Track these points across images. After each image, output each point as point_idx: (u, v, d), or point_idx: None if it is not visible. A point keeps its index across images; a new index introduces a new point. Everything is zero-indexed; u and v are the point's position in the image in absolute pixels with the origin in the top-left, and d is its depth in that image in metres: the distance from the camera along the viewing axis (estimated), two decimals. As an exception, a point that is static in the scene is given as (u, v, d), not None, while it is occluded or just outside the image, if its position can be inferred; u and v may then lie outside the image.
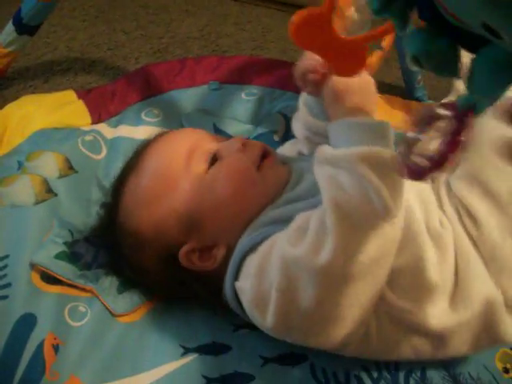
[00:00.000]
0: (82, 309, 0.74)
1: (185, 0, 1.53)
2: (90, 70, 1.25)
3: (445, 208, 0.71)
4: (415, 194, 0.71)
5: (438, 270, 0.65)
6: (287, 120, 0.97)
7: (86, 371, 0.68)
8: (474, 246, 0.68)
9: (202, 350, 0.71)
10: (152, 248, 0.71)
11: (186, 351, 0.71)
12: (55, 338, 0.70)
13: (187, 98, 1.06)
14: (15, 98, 1.04)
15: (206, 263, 0.70)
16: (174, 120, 1.01)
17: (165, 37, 1.39)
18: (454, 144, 0.40)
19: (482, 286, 0.66)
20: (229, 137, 0.97)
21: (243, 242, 0.67)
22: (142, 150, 0.77)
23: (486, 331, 0.66)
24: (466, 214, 0.69)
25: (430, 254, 0.66)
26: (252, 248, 0.66)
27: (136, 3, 1.49)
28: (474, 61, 0.33)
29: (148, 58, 1.32)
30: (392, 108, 1.08)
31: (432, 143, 0.42)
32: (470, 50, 0.33)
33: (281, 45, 1.40)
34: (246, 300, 0.65)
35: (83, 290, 0.75)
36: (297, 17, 0.45)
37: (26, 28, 1.05)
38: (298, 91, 1.04)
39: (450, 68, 0.34)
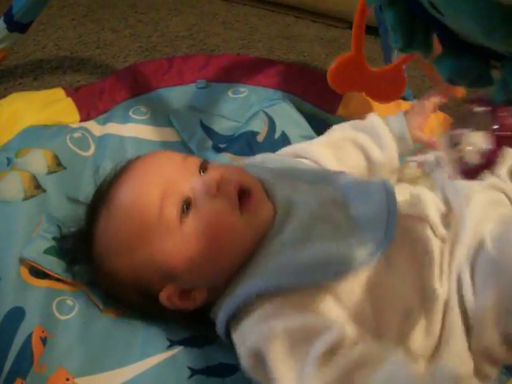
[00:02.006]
0: (69, 302, 0.75)
1: (173, -1, 1.54)
2: (78, 69, 1.26)
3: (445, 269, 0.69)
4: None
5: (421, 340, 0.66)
6: (271, 120, 0.98)
7: (74, 363, 0.69)
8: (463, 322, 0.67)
9: (187, 342, 0.73)
10: (131, 287, 0.71)
11: (172, 344, 0.73)
12: (43, 331, 0.71)
13: (175, 96, 1.07)
14: (4, 95, 1.04)
15: (186, 303, 0.70)
16: (161, 118, 1.03)
17: (153, 36, 1.40)
18: (502, 138, 0.40)
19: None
20: (214, 135, 0.99)
21: (226, 308, 0.66)
22: (113, 180, 0.74)
23: None
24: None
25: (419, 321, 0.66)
26: (238, 311, 0.65)
27: (124, 2, 1.50)
28: (502, 67, 0.33)
29: (136, 56, 1.33)
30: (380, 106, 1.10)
31: (476, 140, 0.42)
32: (496, 58, 0.34)
33: (268, 44, 1.41)
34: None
35: (71, 284, 0.76)
36: (332, 66, 0.47)
37: (17, 25, 1.06)
38: (284, 89, 1.06)
39: (484, 80, 0.35)
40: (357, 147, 0.83)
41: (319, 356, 0.58)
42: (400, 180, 0.85)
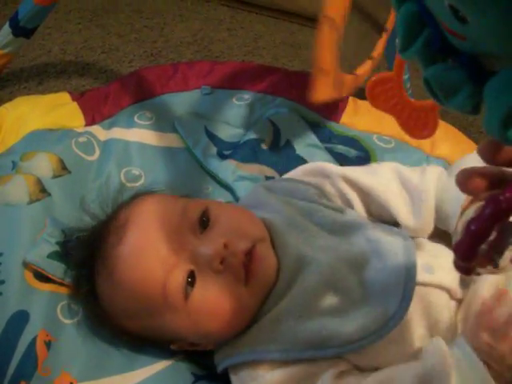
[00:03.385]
0: (73, 307, 0.75)
1: (178, 5, 1.54)
2: (84, 73, 1.27)
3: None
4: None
5: None
6: (276, 128, 0.99)
7: (78, 367, 0.70)
8: None
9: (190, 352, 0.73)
10: (139, 338, 0.72)
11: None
12: (47, 335, 0.71)
13: (179, 101, 1.07)
14: (9, 99, 1.05)
15: (195, 348, 0.71)
16: (166, 123, 1.03)
17: (158, 41, 1.40)
18: None
19: None
20: (219, 141, 0.99)
21: (230, 359, 0.67)
22: (109, 242, 0.70)
23: None
24: None
25: None
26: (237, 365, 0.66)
27: (130, 7, 1.51)
28: (486, 87, 0.32)
29: (141, 61, 1.33)
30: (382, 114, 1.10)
31: None
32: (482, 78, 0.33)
33: (272, 51, 1.41)
34: None
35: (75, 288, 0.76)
36: (370, 80, 0.47)
37: (22, 30, 1.06)
38: (288, 97, 1.07)
39: (464, 95, 0.34)
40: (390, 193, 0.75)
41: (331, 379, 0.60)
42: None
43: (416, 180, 0.74)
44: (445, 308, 0.65)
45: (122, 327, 0.71)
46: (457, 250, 0.36)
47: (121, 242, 0.69)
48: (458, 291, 0.66)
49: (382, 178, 0.77)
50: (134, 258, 0.67)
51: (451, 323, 0.65)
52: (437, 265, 0.67)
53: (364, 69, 0.91)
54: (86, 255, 0.74)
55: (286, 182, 0.81)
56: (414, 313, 0.64)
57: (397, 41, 0.37)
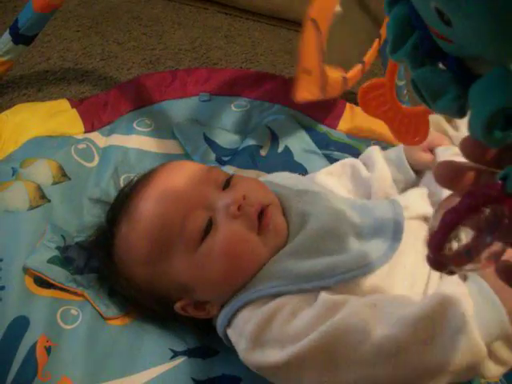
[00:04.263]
0: (74, 312, 0.76)
1: (177, 12, 1.55)
2: (83, 80, 1.27)
3: None
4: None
5: None
6: (274, 134, 0.99)
7: (78, 372, 0.70)
8: None
9: (190, 353, 0.74)
10: (147, 292, 0.73)
11: (175, 354, 0.73)
12: (47, 340, 0.71)
13: (178, 108, 1.08)
14: (9, 106, 1.05)
15: (200, 313, 0.71)
16: (165, 130, 1.04)
17: (157, 48, 1.41)
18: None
19: None
20: (218, 148, 1.00)
21: (236, 301, 0.67)
22: (137, 187, 0.74)
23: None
24: None
25: None
26: (246, 304, 0.67)
27: (129, 15, 1.51)
28: (471, 90, 0.33)
29: (140, 68, 1.34)
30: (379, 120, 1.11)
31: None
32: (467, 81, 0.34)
33: (270, 58, 1.42)
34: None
35: (75, 293, 0.77)
36: (363, 86, 0.48)
37: (22, 38, 1.07)
38: (286, 104, 1.08)
39: (449, 97, 0.35)
40: (349, 167, 0.87)
41: (327, 299, 0.62)
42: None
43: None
44: (423, 232, 0.70)
45: (132, 278, 0.72)
46: (429, 240, 0.37)
47: (145, 187, 0.73)
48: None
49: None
50: (157, 199, 0.71)
51: None
52: (409, 203, 0.75)
53: (353, 72, 0.92)
54: (110, 208, 0.78)
55: (282, 173, 0.86)
56: (403, 248, 0.69)
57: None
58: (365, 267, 0.66)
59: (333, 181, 0.87)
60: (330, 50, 0.83)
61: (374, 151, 0.86)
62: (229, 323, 0.68)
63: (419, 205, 0.75)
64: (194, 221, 0.68)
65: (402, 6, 0.35)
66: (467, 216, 0.36)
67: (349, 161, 0.89)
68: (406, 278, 0.68)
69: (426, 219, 0.74)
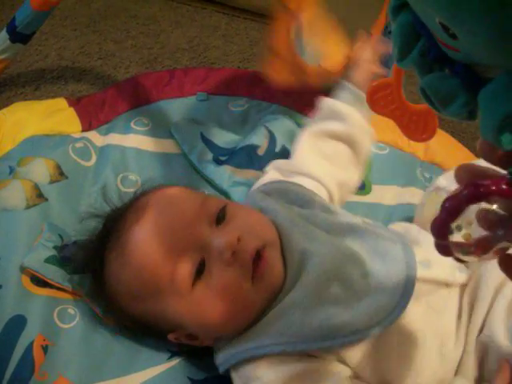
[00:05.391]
0: (70, 311, 0.76)
1: (174, 12, 1.55)
2: (80, 79, 1.27)
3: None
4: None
5: None
6: (271, 134, 0.99)
7: (75, 372, 0.70)
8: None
9: (187, 353, 0.74)
10: (138, 322, 0.72)
11: (172, 354, 0.74)
12: (44, 340, 0.71)
13: (175, 108, 1.08)
14: (6, 104, 1.05)
15: (193, 342, 0.71)
16: (162, 129, 1.04)
17: (154, 47, 1.41)
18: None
19: None
20: (215, 147, 1.00)
21: (234, 353, 0.67)
22: (125, 224, 0.71)
23: None
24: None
25: None
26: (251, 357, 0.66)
27: (127, 14, 1.51)
28: (480, 95, 0.33)
29: (138, 67, 1.34)
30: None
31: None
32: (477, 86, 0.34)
33: (268, 58, 1.42)
34: None
35: (72, 293, 0.77)
36: (370, 86, 0.49)
37: (19, 36, 1.07)
38: (283, 103, 1.08)
39: (458, 101, 0.35)
40: (321, 137, 0.86)
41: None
42: (421, 213, 0.84)
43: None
44: (443, 299, 0.68)
45: (125, 311, 0.71)
46: (432, 226, 0.38)
47: (138, 222, 0.70)
48: (456, 276, 0.70)
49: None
50: (148, 239, 0.68)
51: (452, 307, 0.68)
52: (433, 259, 0.69)
53: (333, 62, 0.92)
54: (101, 233, 0.76)
55: (278, 184, 0.82)
56: (415, 307, 0.66)
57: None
58: (370, 329, 0.63)
59: (319, 162, 0.84)
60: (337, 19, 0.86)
61: (328, 102, 0.87)
62: (234, 366, 0.67)
63: (443, 266, 0.70)
64: (185, 265, 0.66)
65: (407, 14, 0.35)
66: (465, 204, 0.37)
67: (311, 132, 0.87)
68: (415, 337, 0.66)
69: (447, 285, 0.70)
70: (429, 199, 0.83)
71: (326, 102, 0.87)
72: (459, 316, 0.68)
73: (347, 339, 0.63)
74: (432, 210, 0.81)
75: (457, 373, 0.66)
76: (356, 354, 0.64)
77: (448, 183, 0.80)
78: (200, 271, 0.66)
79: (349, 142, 0.85)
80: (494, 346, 0.64)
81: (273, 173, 0.85)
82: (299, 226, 0.73)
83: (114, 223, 0.74)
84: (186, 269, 0.66)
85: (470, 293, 0.69)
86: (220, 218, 0.69)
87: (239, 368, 0.66)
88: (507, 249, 0.39)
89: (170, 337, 0.71)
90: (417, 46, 0.36)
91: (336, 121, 0.85)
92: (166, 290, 0.67)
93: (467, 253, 0.39)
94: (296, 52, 0.82)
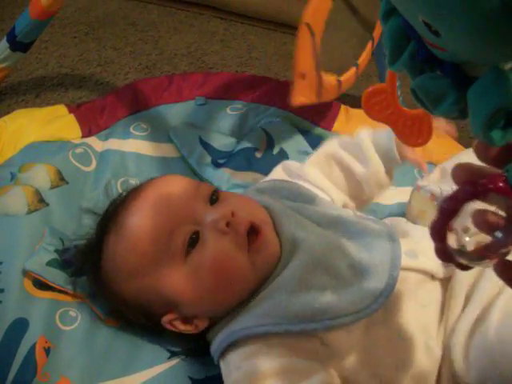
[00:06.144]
0: (72, 313, 0.77)
1: (172, 18, 1.56)
2: (80, 86, 1.28)
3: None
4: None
5: None
6: (269, 136, 1.00)
7: (76, 373, 0.71)
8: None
9: (187, 352, 0.74)
10: (134, 307, 0.73)
11: (173, 354, 0.74)
12: (46, 342, 0.72)
13: (174, 112, 1.09)
14: (7, 112, 1.07)
15: (188, 328, 0.71)
16: (161, 134, 1.05)
17: (153, 53, 1.42)
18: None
19: None
20: (213, 150, 1.01)
21: (223, 337, 0.67)
22: (125, 202, 0.74)
23: None
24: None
25: None
26: (237, 341, 0.66)
27: (125, 21, 1.52)
28: (469, 93, 0.34)
29: (137, 73, 1.35)
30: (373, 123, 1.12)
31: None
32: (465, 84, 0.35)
33: (265, 62, 1.43)
34: None
35: (74, 295, 0.78)
36: (366, 91, 0.49)
37: (19, 45, 1.08)
38: (281, 107, 1.09)
39: (449, 101, 0.35)
40: (338, 164, 0.83)
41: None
42: (408, 210, 0.85)
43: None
44: (428, 290, 0.69)
45: (119, 293, 0.72)
46: (430, 229, 0.38)
47: (135, 201, 0.72)
48: (440, 269, 0.69)
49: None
50: (144, 214, 0.70)
51: (436, 301, 0.69)
52: (420, 250, 0.70)
53: (348, 75, 0.93)
54: (101, 221, 0.78)
55: (273, 182, 0.83)
56: (399, 295, 0.67)
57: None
58: (355, 314, 0.64)
59: (319, 175, 0.83)
60: (324, 56, 0.84)
61: (364, 141, 0.81)
62: (221, 355, 0.68)
63: (429, 257, 0.69)
64: (180, 235, 0.67)
65: (396, 18, 0.36)
66: (462, 203, 0.37)
67: (331, 151, 0.84)
68: (401, 326, 0.66)
69: (432, 277, 0.70)
70: (413, 198, 0.85)
71: (361, 135, 0.82)
72: (441, 310, 0.69)
73: (331, 322, 0.64)
74: (416, 207, 0.83)
75: (440, 367, 0.66)
76: (342, 342, 0.65)
77: (429, 182, 0.82)
78: (194, 241, 0.68)
79: (355, 181, 0.83)
80: (448, 359, 0.65)
81: (279, 172, 0.85)
82: (290, 215, 0.74)
83: (112, 210, 0.76)
84: (180, 238, 0.67)
85: (449, 288, 0.70)
86: (213, 200, 0.71)
87: (225, 357, 0.67)
88: (506, 254, 0.38)
89: (165, 321, 0.71)
90: (407, 48, 0.37)
91: (353, 158, 0.82)
92: (160, 260, 0.68)
93: (468, 258, 0.39)
94: (317, 68, 0.82)
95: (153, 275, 0.69)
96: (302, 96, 0.83)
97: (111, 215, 0.75)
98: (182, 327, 0.71)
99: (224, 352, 0.67)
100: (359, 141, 0.82)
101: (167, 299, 0.70)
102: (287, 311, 0.65)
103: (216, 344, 0.68)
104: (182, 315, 0.71)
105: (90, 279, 0.77)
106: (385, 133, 0.80)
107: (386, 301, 0.65)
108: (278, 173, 0.85)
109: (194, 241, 0.68)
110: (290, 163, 0.87)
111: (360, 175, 0.81)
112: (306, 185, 0.81)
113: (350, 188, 0.83)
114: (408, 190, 0.97)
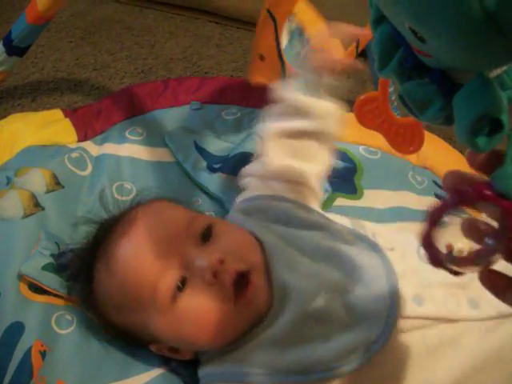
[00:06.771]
0: (68, 317, 0.77)
1: (168, 22, 1.57)
2: (76, 90, 1.29)
3: None
4: None
5: None
6: (264, 141, 1.00)
7: (72, 376, 0.71)
8: None
9: (178, 360, 0.74)
10: (122, 331, 0.74)
11: (169, 358, 0.74)
12: (42, 345, 0.72)
13: (170, 117, 1.09)
14: (3, 116, 1.07)
15: (175, 355, 0.72)
16: (157, 138, 1.05)
17: (149, 58, 1.43)
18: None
19: None
20: (209, 155, 1.01)
21: (213, 373, 0.68)
22: (113, 236, 0.73)
23: None
24: None
25: None
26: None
27: (121, 25, 1.53)
28: (455, 98, 0.35)
29: (132, 78, 1.35)
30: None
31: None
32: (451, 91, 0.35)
33: (261, 66, 1.44)
34: None
35: (70, 299, 0.78)
36: (358, 100, 0.50)
37: (15, 49, 1.08)
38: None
39: (435, 108, 0.36)
40: (291, 136, 0.82)
41: None
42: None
43: None
44: (434, 336, 0.65)
45: (109, 320, 0.73)
46: (420, 237, 0.39)
47: (125, 235, 0.71)
48: (464, 310, 0.66)
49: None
50: (133, 253, 0.70)
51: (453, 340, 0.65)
52: (428, 295, 0.67)
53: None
54: (92, 242, 0.77)
55: (259, 201, 0.81)
56: (401, 337, 0.64)
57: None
58: (348, 364, 0.63)
59: (291, 164, 0.81)
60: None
61: (290, 99, 0.82)
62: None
63: (436, 303, 0.66)
64: (167, 282, 0.67)
65: (386, 25, 0.37)
66: (451, 210, 0.37)
67: (274, 130, 0.84)
68: (398, 372, 0.64)
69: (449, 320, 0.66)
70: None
71: (284, 96, 0.82)
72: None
73: (324, 375, 0.63)
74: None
75: None
76: None
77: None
78: (181, 288, 0.67)
79: (316, 135, 0.82)
80: None
81: (254, 183, 0.83)
82: (281, 253, 0.72)
83: (104, 233, 0.75)
84: (166, 284, 0.67)
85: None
86: (206, 236, 0.70)
87: None
88: (494, 262, 0.38)
89: (152, 348, 0.72)
90: (396, 55, 0.38)
91: (299, 117, 0.81)
92: (146, 304, 0.68)
93: (457, 264, 0.39)
94: (279, 55, 0.83)
95: (140, 316, 0.69)
96: (259, 76, 0.85)
97: (101, 240, 0.75)
98: (169, 354, 0.72)
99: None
100: (282, 99, 0.82)
101: (153, 336, 0.71)
102: (280, 365, 0.65)
103: (204, 373, 0.70)
104: (168, 346, 0.72)
105: (81, 302, 0.77)
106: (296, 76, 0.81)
107: (384, 346, 0.63)
108: (253, 187, 0.83)
109: (181, 287, 0.67)
110: (251, 169, 0.85)
111: (307, 128, 0.81)
112: (283, 187, 0.80)
113: (311, 151, 0.82)
114: (402, 193, 0.98)
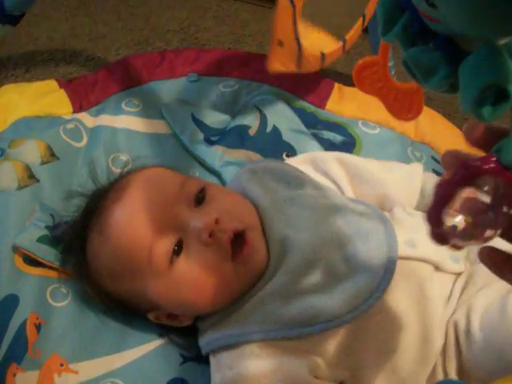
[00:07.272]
0: (63, 290, 0.76)
1: (165, -7, 1.54)
2: (71, 61, 1.27)
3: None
4: None
5: None
6: (262, 114, 1.00)
7: (67, 349, 0.71)
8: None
9: (179, 330, 0.74)
10: (118, 302, 0.73)
11: (164, 332, 0.74)
12: (37, 318, 0.72)
13: (166, 89, 1.08)
14: (-4, 87, 1.05)
15: (173, 322, 0.72)
16: (153, 110, 1.04)
17: (145, 29, 1.41)
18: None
19: None
20: (206, 128, 1.00)
21: (215, 338, 0.67)
22: (109, 197, 0.72)
23: None
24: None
25: None
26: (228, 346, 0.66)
27: (117, -5, 1.51)
28: (461, 67, 0.34)
29: (128, 49, 1.33)
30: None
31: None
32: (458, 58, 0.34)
33: (258, 39, 1.42)
34: None
35: (65, 272, 0.78)
36: (357, 64, 0.49)
37: (8, 18, 1.06)
38: (274, 84, 1.08)
39: (440, 74, 0.35)
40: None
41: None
42: None
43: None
44: (429, 279, 0.67)
45: (104, 289, 0.72)
46: (427, 214, 0.38)
47: (118, 202, 0.70)
48: (448, 263, 0.69)
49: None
50: (127, 218, 0.68)
51: (444, 295, 0.68)
52: (419, 239, 0.69)
53: (331, 49, 0.92)
54: (84, 212, 0.76)
55: (268, 162, 0.82)
56: (399, 286, 0.65)
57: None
58: (351, 313, 0.63)
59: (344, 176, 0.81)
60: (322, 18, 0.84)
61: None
62: (213, 351, 0.68)
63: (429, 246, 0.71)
64: (163, 245, 0.66)
65: None
66: (460, 187, 0.36)
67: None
68: (397, 319, 0.65)
69: (437, 268, 0.69)
70: None
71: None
72: (447, 302, 0.68)
73: (327, 325, 0.63)
74: None
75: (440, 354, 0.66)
76: (333, 339, 0.64)
77: None
78: (178, 250, 0.66)
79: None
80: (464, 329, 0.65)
81: (304, 160, 0.84)
82: (281, 210, 0.72)
83: (96, 202, 0.74)
84: (163, 248, 0.66)
85: (461, 282, 0.69)
86: (199, 199, 0.69)
87: (217, 354, 0.67)
88: (491, 237, 0.38)
89: (150, 316, 0.72)
90: (400, 19, 0.37)
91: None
92: (143, 269, 0.67)
93: (465, 237, 0.38)
94: (297, 40, 0.81)
95: (136, 282, 0.69)
96: (278, 63, 0.83)
97: (94, 209, 0.73)
98: (167, 321, 0.72)
99: (215, 352, 0.67)
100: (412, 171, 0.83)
101: (151, 302, 0.70)
102: (282, 318, 0.64)
103: (205, 340, 0.69)
104: (166, 312, 0.71)
105: (76, 273, 0.76)
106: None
107: (384, 293, 0.64)
108: (301, 160, 0.84)
109: (177, 251, 0.66)
110: (319, 156, 0.85)
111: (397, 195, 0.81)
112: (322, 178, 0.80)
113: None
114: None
